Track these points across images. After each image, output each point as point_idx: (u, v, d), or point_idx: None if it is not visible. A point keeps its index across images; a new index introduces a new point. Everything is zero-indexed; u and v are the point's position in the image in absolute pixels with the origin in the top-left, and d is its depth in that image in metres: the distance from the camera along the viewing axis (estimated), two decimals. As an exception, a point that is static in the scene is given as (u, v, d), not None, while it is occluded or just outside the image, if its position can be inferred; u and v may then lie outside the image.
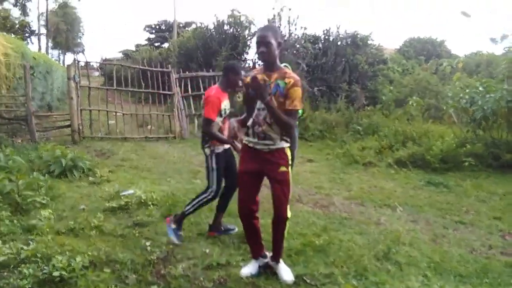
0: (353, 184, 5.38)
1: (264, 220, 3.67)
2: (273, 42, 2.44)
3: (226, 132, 3.19)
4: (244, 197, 2.65)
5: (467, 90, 6.85)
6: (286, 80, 2.46)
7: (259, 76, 2.48)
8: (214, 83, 9.67)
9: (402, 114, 8.60)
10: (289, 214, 2.59)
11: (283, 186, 2.54)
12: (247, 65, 11.57)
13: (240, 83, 3.00)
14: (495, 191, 5.14)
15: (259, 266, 2.72)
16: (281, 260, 2.74)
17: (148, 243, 3.10)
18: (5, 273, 2.52)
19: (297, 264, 2.87)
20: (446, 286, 2.65)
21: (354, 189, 5.12)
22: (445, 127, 7.86)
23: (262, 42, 2.43)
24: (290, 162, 2.60)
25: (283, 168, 2.54)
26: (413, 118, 8.31)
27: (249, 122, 2.57)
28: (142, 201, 4.01)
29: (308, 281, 2.63)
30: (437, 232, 3.73)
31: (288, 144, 2.60)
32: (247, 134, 2.62)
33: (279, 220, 2.59)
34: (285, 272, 2.67)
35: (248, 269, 2.70)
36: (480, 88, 6.62)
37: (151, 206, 3.94)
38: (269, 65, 2.51)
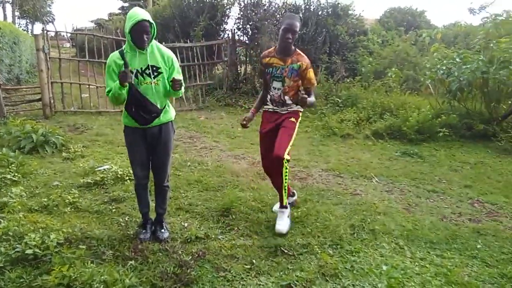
0: (331, 156, 5.45)
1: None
2: (298, 30, 2.87)
3: None
4: (265, 152, 3.16)
5: (444, 61, 6.92)
6: (299, 64, 2.93)
7: (273, 60, 2.99)
8: (192, 54, 9.49)
9: (381, 86, 8.64)
10: (287, 157, 2.89)
11: (288, 130, 2.97)
12: (225, 35, 11.21)
13: None
14: (467, 161, 5.33)
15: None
16: (284, 211, 3.04)
17: (125, 219, 3.07)
18: (-24, 253, 2.44)
19: (275, 235, 2.92)
20: (417, 253, 2.77)
21: (332, 161, 5.19)
22: (422, 99, 7.98)
23: (292, 30, 2.83)
24: (300, 120, 3.10)
25: (292, 119, 3.04)
26: (391, 90, 8.37)
27: (268, 98, 3.12)
28: (119, 176, 3.94)
29: (285, 251, 2.69)
30: (411, 201, 3.86)
31: (302, 109, 3.11)
32: (266, 104, 3.16)
33: (277, 161, 2.87)
34: (281, 222, 2.97)
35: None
36: (457, 59, 6.69)
37: (128, 181, 3.87)
38: (287, 50, 2.93)
